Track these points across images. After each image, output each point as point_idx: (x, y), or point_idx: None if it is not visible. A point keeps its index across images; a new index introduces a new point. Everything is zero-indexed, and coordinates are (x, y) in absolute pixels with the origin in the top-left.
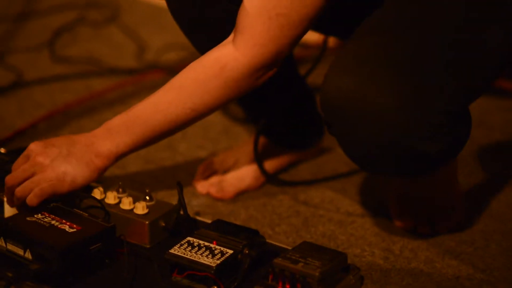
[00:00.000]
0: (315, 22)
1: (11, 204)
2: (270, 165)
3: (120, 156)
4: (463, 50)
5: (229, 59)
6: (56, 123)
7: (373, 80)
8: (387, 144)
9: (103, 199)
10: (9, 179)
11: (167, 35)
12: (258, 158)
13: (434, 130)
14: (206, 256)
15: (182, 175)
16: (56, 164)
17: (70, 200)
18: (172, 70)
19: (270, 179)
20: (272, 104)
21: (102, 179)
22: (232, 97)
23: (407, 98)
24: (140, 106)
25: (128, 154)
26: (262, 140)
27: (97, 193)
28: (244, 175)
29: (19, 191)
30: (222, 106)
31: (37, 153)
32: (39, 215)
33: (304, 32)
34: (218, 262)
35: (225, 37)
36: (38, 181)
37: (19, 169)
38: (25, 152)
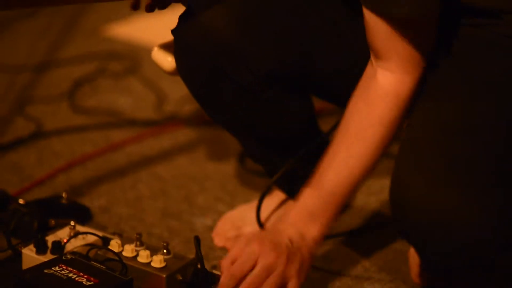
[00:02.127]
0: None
1: None
2: None
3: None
4: None
5: (397, 86)
6: (75, 174)
7: (456, 194)
8: (466, 259)
9: (120, 252)
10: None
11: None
12: (260, 221)
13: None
14: None
15: (200, 228)
16: (289, 267)
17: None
18: (192, 121)
19: None
20: (290, 158)
21: (121, 231)
22: (403, 120)
23: (491, 215)
24: (329, 174)
25: None
26: (279, 195)
27: (114, 246)
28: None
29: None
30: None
31: (269, 256)
32: (57, 267)
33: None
34: None
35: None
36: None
37: (256, 273)
38: (249, 250)
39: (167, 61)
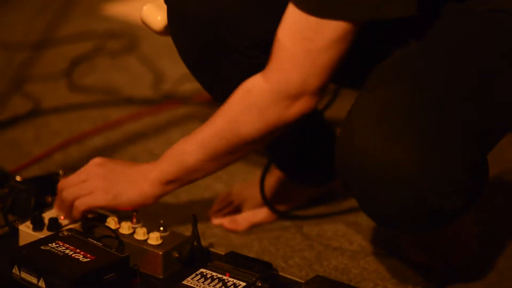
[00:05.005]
0: (344, 58)
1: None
2: (285, 201)
3: (166, 184)
4: (480, 105)
5: (253, 83)
6: (72, 152)
7: (393, 142)
8: (408, 206)
9: (117, 229)
10: (62, 183)
11: (184, 66)
12: (265, 198)
13: (455, 188)
14: None
15: (197, 207)
16: (108, 177)
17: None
18: (189, 100)
19: (282, 216)
20: (289, 138)
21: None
22: (264, 129)
23: (429, 160)
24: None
25: (176, 187)
26: (279, 175)
27: (111, 223)
28: (259, 208)
29: (67, 194)
30: (258, 140)
31: (95, 163)
32: (53, 244)
33: (332, 64)
34: None
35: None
36: (85, 188)
37: (74, 175)
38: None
39: (156, 20)
